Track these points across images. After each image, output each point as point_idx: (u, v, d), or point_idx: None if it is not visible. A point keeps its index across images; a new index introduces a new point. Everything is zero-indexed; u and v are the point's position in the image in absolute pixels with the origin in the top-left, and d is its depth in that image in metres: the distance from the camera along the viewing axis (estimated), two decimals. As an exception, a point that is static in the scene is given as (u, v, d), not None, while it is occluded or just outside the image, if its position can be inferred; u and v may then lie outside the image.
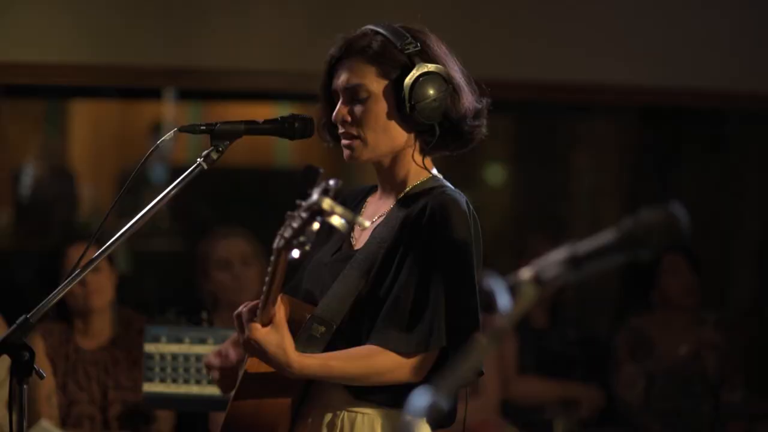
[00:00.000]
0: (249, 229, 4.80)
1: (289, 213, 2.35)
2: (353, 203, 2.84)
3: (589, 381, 5.36)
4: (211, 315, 4.19)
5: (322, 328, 2.60)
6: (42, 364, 4.11)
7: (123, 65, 4.89)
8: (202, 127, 2.67)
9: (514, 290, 1.63)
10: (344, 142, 2.70)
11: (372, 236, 2.67)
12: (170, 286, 6.47)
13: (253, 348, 2.54)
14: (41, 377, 2.59)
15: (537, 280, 1.63)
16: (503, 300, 1.61)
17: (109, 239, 2.60)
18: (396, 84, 2.66)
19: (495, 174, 7.88)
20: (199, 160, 2.64)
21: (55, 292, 2.58)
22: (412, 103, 2.62)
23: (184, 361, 3.76)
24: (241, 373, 2.69)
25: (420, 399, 1.62)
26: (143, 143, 7.66)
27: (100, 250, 2.60)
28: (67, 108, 8.07)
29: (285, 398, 2.62)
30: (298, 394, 2.64)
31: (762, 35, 5.39)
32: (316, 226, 2.28)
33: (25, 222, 7.25)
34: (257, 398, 2.63)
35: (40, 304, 2.56)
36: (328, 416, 2.64)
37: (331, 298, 2.62)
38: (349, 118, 2.67)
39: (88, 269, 2.62)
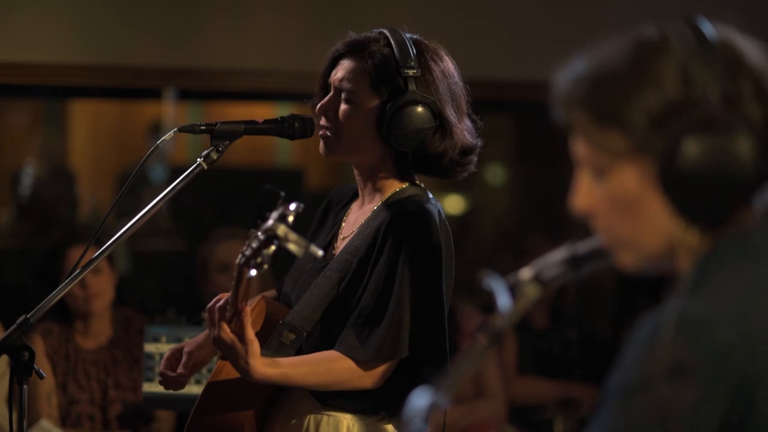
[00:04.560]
0: (249, 229, 4.78)
1: (251, 231, 2.40)
2: (339, 207, 2.85)
3: (589, 381, 5.36)
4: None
5: (292, 336, 2.63)
6: (41, 363, 4.11)
7: (123, 65, 4.88)
8: (202, 127, 2.67)
9: (514, 290, 1.63)
10: (321, 133, 2.71)
11: (348, 245, 2.68)
12: (170, 286, 6.47)
13: (220, 345, 2.58)
14: (41, 377, 2.59)
15: (537, 280, 1.63)
16: (503, 300, 1.61)
17: (109, 239, 2.60)
18: (383, 103, 2.64)
19: (495, 174, 7.88)
20: (199, 160, 2.64)
21: (55, 292, 2.58)
22: (390, 127, 2.61)
23: (184, 361, 3.75)
24: (204, 383, 2.72)
25: (420, 399, 1.62)
26: (143, 143, 7.66)
27: (99, 251, 2.60)
28: (67, 108, 8.06)
29: (249, 407, 2.65)
30: (264, 401, 2.67)
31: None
32: (272, 249, 2.33)
33: (25, 222, 7.25)
34: (222, 406, 2.66)
35: (40, 304, 2.56)
36: (294, 421, 2.66)
37: (303, 305, 2.65)
38: (330, 114, 2.68)
39: (88, 269, 2.62)
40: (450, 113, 2.64)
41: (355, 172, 2.76)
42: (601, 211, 1.52)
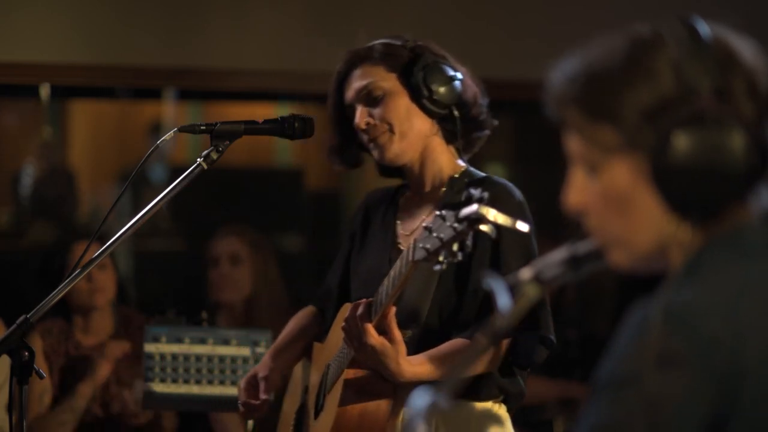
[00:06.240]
0: (242, 228, 4.78)
1: (427, 225, 2.28)
2: (381, 207, 2.83)
3: (589, 381, 5.35)
4: (211, 315, 4.19)
5: (409, 332, 2.62)
6: (39, 363, 4.11)
7: (123, 65, 4.88)
8: (202, 127, 2.68)
9: (514, 290, 1.63)
10: (373, 143, 2.70)
11: None
12: (170, 286, 6.47)
13: (367, 353, 2.53)
14: (41, 377, 2.59)
15: (537, 280, 1.63)
16: (503, 300, 1.61)
17: (110, 238, 2.60)
18: (406, 75, 2.67)
19: (495, 174, 7.88)
20: (199, 160, 2.64)
21: (55, 291, 2.58)
22: (428, 86, 2.64)
23: (184, 361, 3.75)
24: (340, 382, 2.69)
25: (420, 399, 1.62)
26: (143, 143, 7.65)
27: (101, 249, 2.60)
28: (67, 108, 8.06)
29: (386, 399, 2.63)
30: (393, 394, 2.65)
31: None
32: (469, 236, 2.23)
33: (25, 222, 7.25)
34: (360, 403, 2.64)
35: (41, 304, 2.56)
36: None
37: (406, 302, 2.61)
38: (371, 120, 2.68)
39: (89, 268, 2.62)
40: (457, 66, 2.70)
41: (407, 169, 2.75)
42: (593, 208, 1.53)
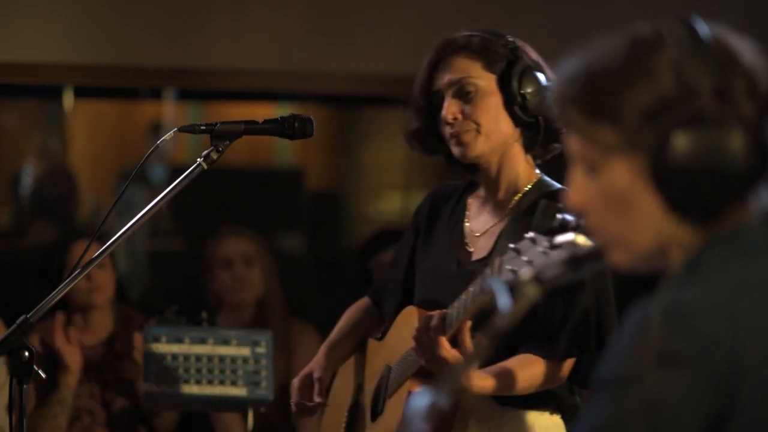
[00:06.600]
0: (248, 229, 4.79)
1: (516, 246, 2.17)
2: (450, 204, 2.81)
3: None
4: (212, 315, 4.18)
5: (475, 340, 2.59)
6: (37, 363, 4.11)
7: (123, 65, 4.88)
8: (202, 127, 2.67)
9: (514, 290, 1.63)
10: (457, 138, 2.66)
11: (499, 244, 2.62)
12: (170, 286, 6.47)
13: (437, 364, 2.50)
14: (41, 377, 2.59)
15: (537, 280, 1.63)
16: (503, 300, 1.61)
17: (111, 237, 2.60)
18: (502, 79, 2.64)
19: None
20: (199, 160, 2.64)
21: (55, 291, 2.58)
22: (523, 94, 2.61)
23: (184, 361, 3.75)
24: (404, 390, 2.66)
25: (420, 399, 1.62)
26: (143, 143, 7.65)
27: (101, 249, 2.60)
28: (67, 108, 8.06)
29: (451, 411, 2.60)
30: (457, 406, 2.64)
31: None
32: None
33: (25, 222, 7.25)
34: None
35: (41, 304, 2.56)
36: (475, 421, 2.63)
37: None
38: (459, 115, 2.65)
39: (89, 268, 2.62)
40: (548, 72, 2.67)
41: (483, 170, 2.72)
42: (593, 208, 1.53)
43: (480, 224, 2.72)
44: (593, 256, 1.61)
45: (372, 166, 7.62)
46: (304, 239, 7.05)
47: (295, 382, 2.91)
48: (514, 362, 2.57)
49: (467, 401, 2.57)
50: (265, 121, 2.75)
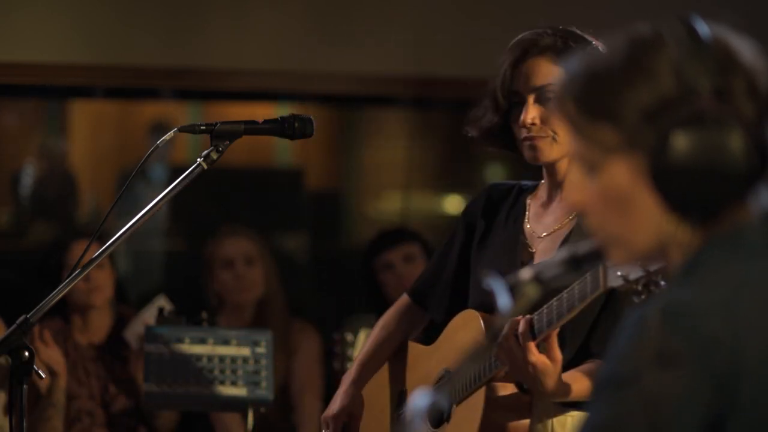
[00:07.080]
0: (249, 229, 4.79)
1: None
2: (506, 202, 2.80)
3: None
4: (212, 315, 4.19)
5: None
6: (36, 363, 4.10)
7: (123, 65, 4.88)
8: (202, 127, 2.67)
9: (514, 290, 1.63)
10: (531, 142, 2.65)
11: (563, 246, 2.59)
12: (170, 286, 6.47)
13: (525, 370, 2.46)
14: (40, 378, 2.59)
15: (537, 280, 1.63)
16: (503, 300, 1.61)
17: (110, 238, 2.60)
18: None
19: (495, 174, 7.88)
20: (198, 160, 2.64)
21: (55, 291, 2.58)
22: None
23: (184, 361, 3.75)
24: (479, 397, 2.63)
25: (420, 399, 1.62)
26: (143, 143, 7.65)
27: (101, 249, 2.60)
28: (67, 108, 8.06)
29: (527, 417, 2.58)
30: (530, 411, 2.61)
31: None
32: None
33: (25, 222, 7.25)
34: (505, 421, 2.59)
35: (41, 304, 2.56)
36: (539, 422, 2.59)
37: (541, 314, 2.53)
38: (538, 121, 2.63)
39: (89, 268, 2.62)
40: None
41: (549, 170, 2.72)
42: (593, 208, 1.53)
43: (543, 226, 2.70)
44: (593, 256, 1.61)
45: (372, 166, 7.62)
46: (305, 239, 7.05)
47: (330, 422, 2.87)
48: (586, 369, 2.52)
49: (540, 403, 2.54)
50: (265, 121, 2.74)
